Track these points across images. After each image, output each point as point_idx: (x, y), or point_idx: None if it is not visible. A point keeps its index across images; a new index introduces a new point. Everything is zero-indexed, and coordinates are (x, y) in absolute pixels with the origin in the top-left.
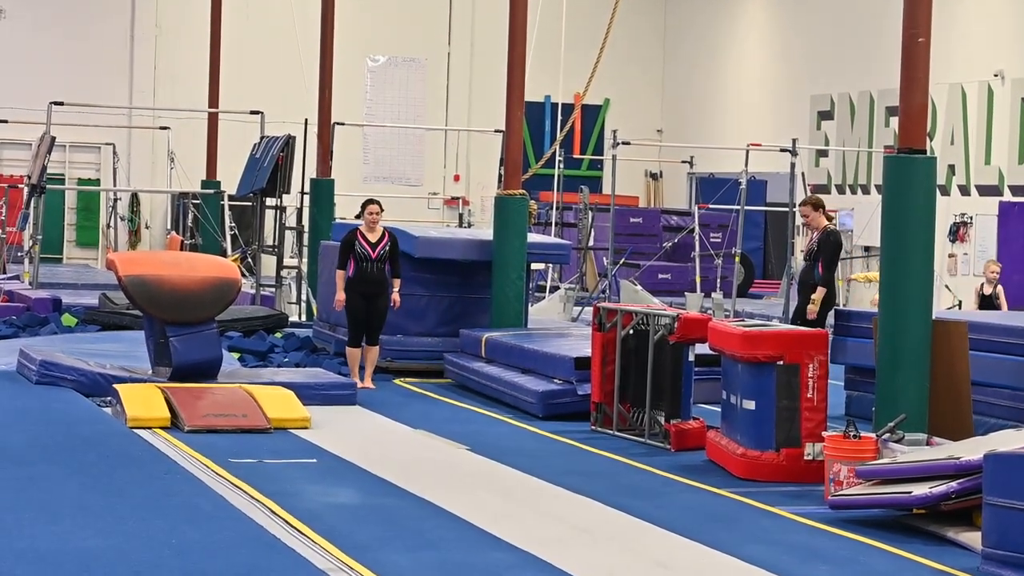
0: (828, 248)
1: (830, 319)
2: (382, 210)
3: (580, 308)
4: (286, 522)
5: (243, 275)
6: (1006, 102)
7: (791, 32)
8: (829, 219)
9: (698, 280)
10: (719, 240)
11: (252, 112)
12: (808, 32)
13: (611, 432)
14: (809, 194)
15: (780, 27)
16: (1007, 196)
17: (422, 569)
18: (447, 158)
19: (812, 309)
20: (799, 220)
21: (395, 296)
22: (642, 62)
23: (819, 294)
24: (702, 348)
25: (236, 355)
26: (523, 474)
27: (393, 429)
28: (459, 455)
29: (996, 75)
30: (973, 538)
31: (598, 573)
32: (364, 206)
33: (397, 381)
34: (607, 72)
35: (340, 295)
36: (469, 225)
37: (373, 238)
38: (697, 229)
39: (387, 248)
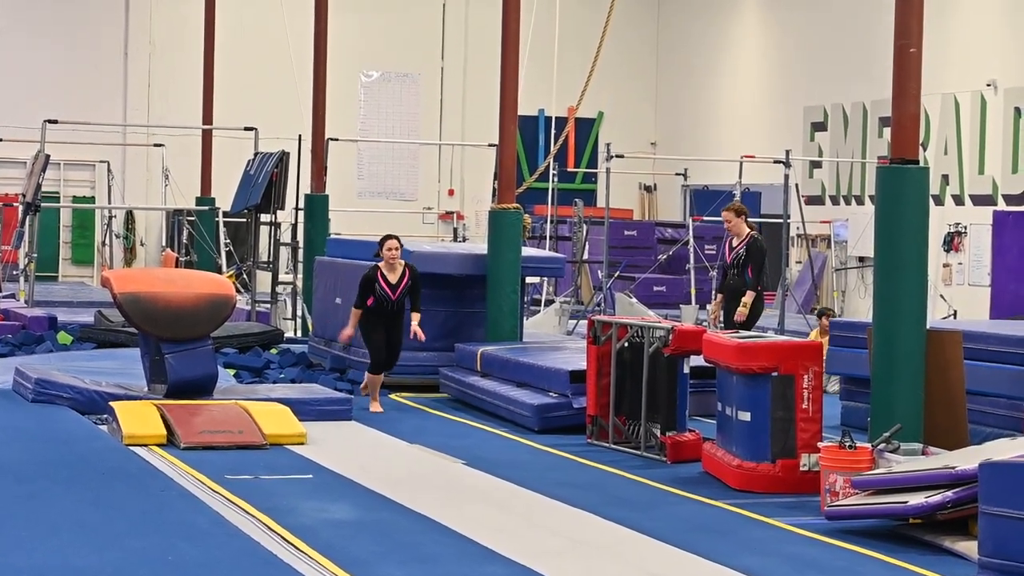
0: (756, 254)
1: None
2: (401, 245)
3: (575, 321)
4: (282, 538)
5: (238, 291)
6: (999, 111)
7: (784, 44)
8: (750, 227)
9: (693, 292)
10: (713, 252)
11: (246, 128)
12: (801, 43)
13: (607, 445)
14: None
15: (773, 39)
16: (1001, 206)
17: None
18: (441, 173)
19: (741, 312)
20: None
21: (415, 328)
22: (635, 75)
23: (749, 298)
24: (697, 360)
25: (232, 371)
26: (519, 487)
27: (389, 444)
28: (455, 469)
29: (989, 85)
30: (969, 547)
31: None
32: (382, 243)
33: (393, 396)
34: (600, 85)
35: (349, 330)
36: (464, 239)
37: (393, 278)
38: (692, 241)
39: (407, 288)
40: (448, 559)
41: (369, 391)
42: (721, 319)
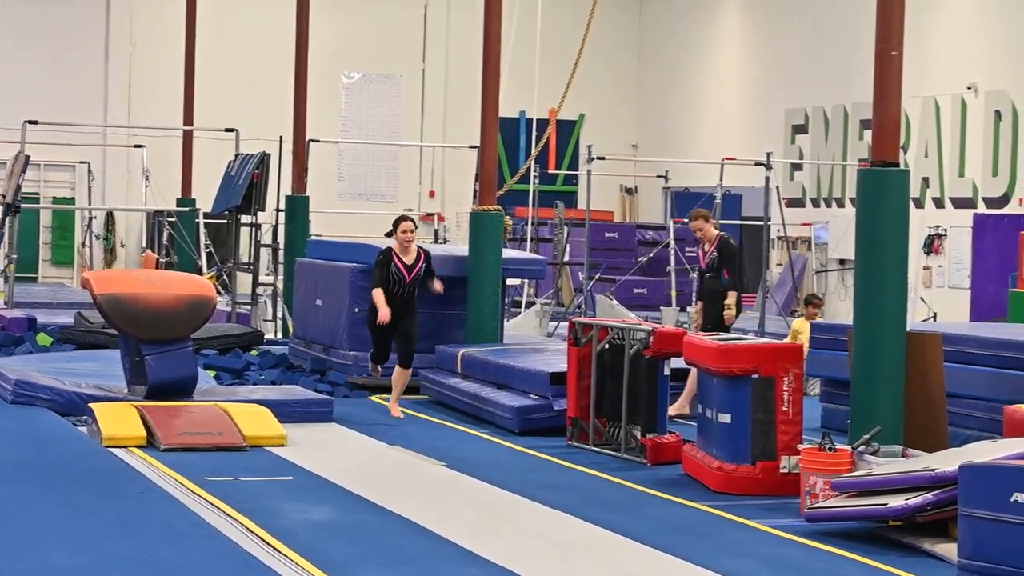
0: (729, 255)
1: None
2: (416, 227)
3: (556, 323)
4: (262, 540)
5: (218, 293)
6: (980, 115)
7: (765, 47)
8: (718, 229)
9: (674, 294)
10: (694, 254)
11: (227, 130)
12: (782, 46)
13: (587, 447)
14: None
15: (754, 42)
16: (981, 208)
17: None
18: (422, 174)
19: (730, 315)
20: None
21: (437, 283)
22: (617, 77)
23: (732, 298)
24: (678, 362)
25: (212, 373)
26: (499, 489)
27: (369, 446)
28: (435, 471)
29: (969, 88)
30: (949, 549)
31: None
32: (396, 224)
33: (373, 398)
34: (582, 87)
35: (385, 309)
36: (444, 241)
37: (408, 260)
38: (672, 243)
39: (422, 270)
40: (428, 561)
41: (391, 390)
42: (703, 324)
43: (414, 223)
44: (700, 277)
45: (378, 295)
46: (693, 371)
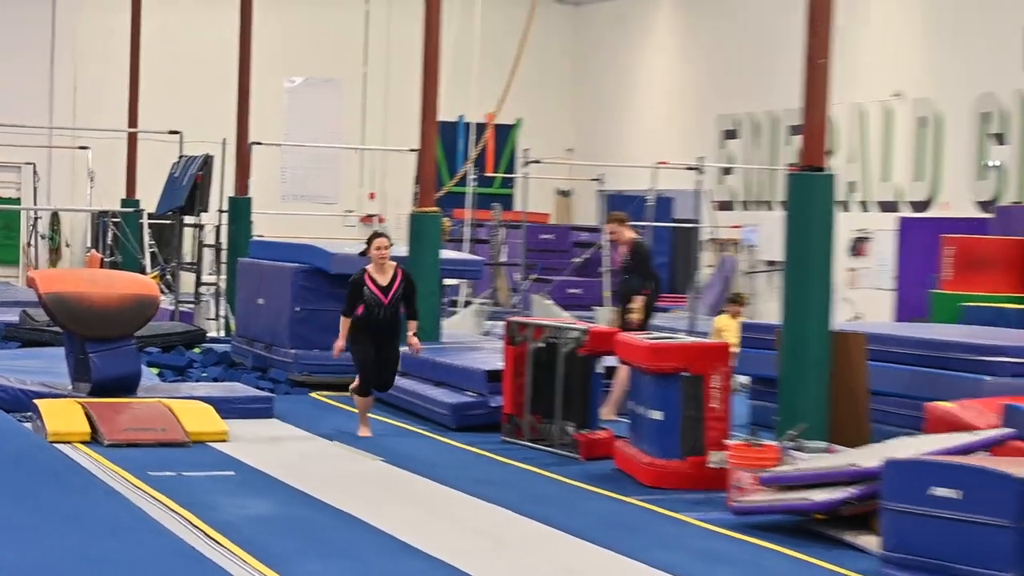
0: (641, 259)
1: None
2: (392, 244)
3: (492, 322)
4: (204, 534)
5: (162, 292)
6: (905, 121)
7: (697, 54)
8: (636, 232)
9: (607, 295)
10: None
11: (171, 132)
12: (714, 54)
13: (522, 442)
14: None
15: (687, 49)
16: (905, 212)
17: None
18: (363, 176)
19: (631, 318)
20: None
21: (412, 340)
22: (553, 83)
23: (637, 303)
24: (611, 360)
25: (155, 370)
26: (436, 484)
27: (309, 441)
28: (374, 466)
29: (895, 95)
30: (871, 542)
31: None
32: (370, 241)
33: (313, 394)
34: (519, 92)
35: (340, 342)
36: None
37: (384, 280)
38: (606, 245)
39: (400, 290)
40: (367, 554)
41: (359, 414)
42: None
43: (388, 239)
44: (615, 279)
45: (343, 324)
46: (619, 377)
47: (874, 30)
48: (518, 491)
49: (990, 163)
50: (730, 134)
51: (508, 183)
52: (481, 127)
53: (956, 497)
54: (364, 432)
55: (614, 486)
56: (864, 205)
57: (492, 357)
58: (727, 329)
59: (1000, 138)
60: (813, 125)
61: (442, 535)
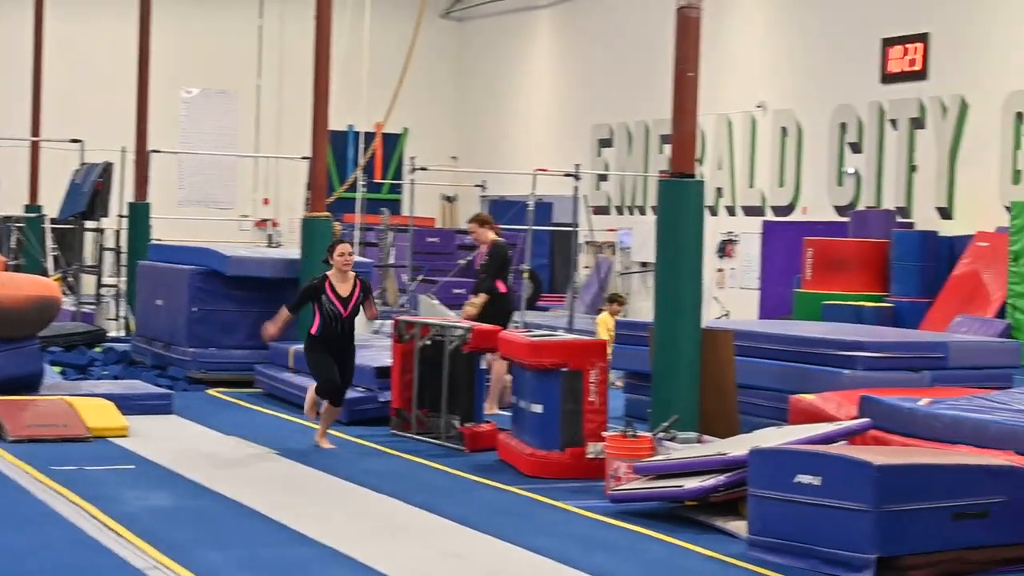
0: (495, 258)
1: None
2: (353, 250)
3: (381, 321)
4: (105, 525)
5: (64, 294)
6: (768, 130)
7: (574, 67)
8: (498, 233)
9: None
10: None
11: (72, 140)
12: (590, 67)
13: (410, 435)
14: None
15: (565, 62)
16: (769, 216)
17: (234, 566)
18: (257, 183)
19: (466, 311)
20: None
21: (372, 310)
22: (438, 94)
23: (479, 300)
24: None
25: (57, 369)
26: (329, 476)
27: (206, 436)
28: (268, 459)
29: (759, 106)
30: (739, 526)
31: (398, 566)
32: (332, 248)
33: (210, 391)
34: (406, 103)
35: (273, 328)
36: (278, 245)
37: (345, 290)
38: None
39: (359, 301)
40: (263, 543)
41: (319, 420)
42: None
43: (351, 245)
44: (476, 279)
45: (283, 314)
46: (494, 372)
47: (739, 44)
48: (406, 482)
49: (847, 170)
50: (605, 143)
51: (396, 189)
52: (369, 136)
53: (818, 483)
54: (325, 444)
55: (497, 476)
56: (731, 210)
57: (381, 354)
58: (606, 324)
59: (856, 147)
60: (683, 134)
61: (334, 524)
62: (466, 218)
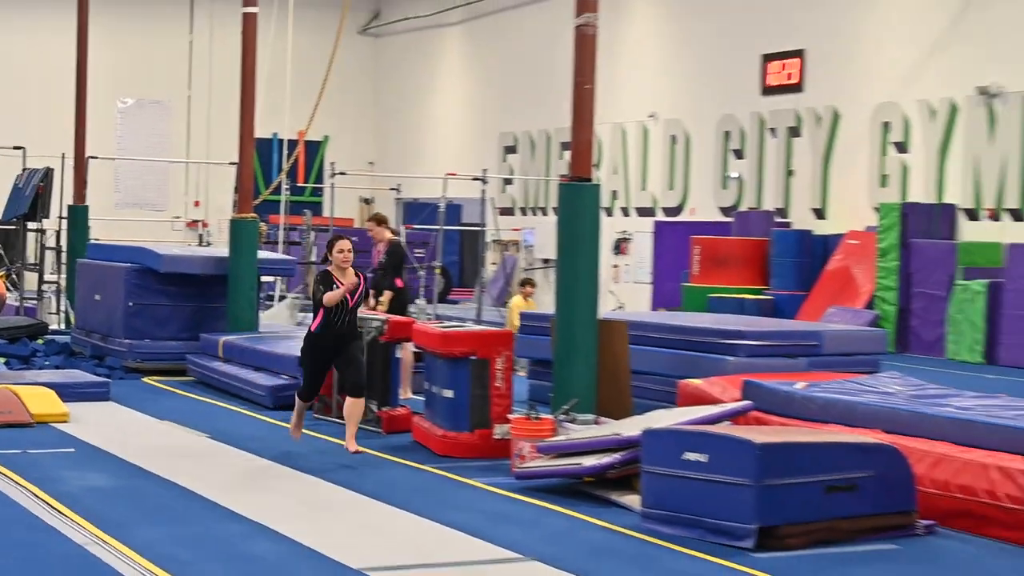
0: (393, 256)
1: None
2: (352, 247)
3: (304, 314)
4: (48, 504)
5: (8, 290)
6: (658, 138)
7: (482, 79)
8: (395, 232)
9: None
10: (422, 255)
11: (15, 147)
12: (496, 79)
13: (331, 419)
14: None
15: (473, 75)
16: (660, 216)
17: (168, 541)
18: (188, 187)
19: (382, 309)
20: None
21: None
22: (356, 104)
23: (386, 297)
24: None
25: (2, 360)
26: (256, 456)
27: (142, 421)
28: (200, 442)
29: (651, 116)
30: (634, 500)
31: (321, 540)
32: (331, 245)
33: (146, 379)
34: (326, 112)
35: (337, 294)
36: (208, 244)
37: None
38: (404, 245)
39: (363, 294)
40: (195, 520)
41: (294, 416)
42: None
43: (350, 241)
44: (374, 275)
45: (330, 295)
46: (404, 360)
47: (633, 60)
48: (327, 461)
49: (730, 175)
50: (510, 149)
51: (317, 192)
52: (293, 143)
53: (704, 460)
54: (352, 446)
55: (412, 456)
56: (625, 211)
57: None
58: (519, 307)
59: (739, 153)
60: (580, 142)
61: (261, 501)
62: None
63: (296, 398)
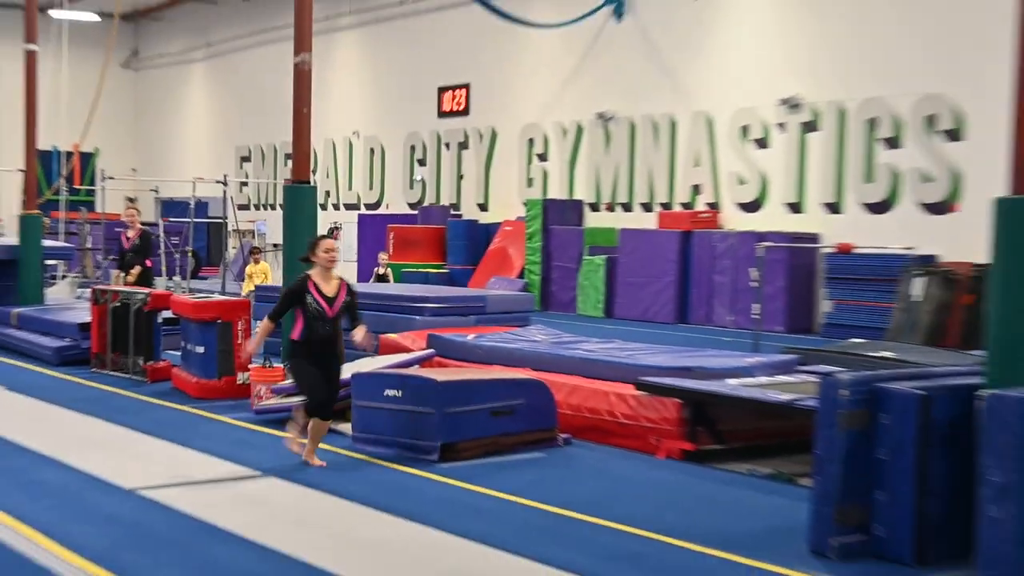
0: (148, 243)
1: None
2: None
3: (83, 290)
4: None
5: None
6: (361, 150)
7: (222, 102)
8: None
9: (164, 268)
10: (178, 242)
11: None
12: (232, 103)
13: (106, 372)
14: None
15: (216, 100)
16: (363, 211)
17: None
18: None
19: (129, 280)
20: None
21: (363, 332)
22: (122, 121)
23: (135, 271)
24: (167, 314)
25: None
26: (45, 403)
27: None
28: (0, 394)
29: (354, 133)
30: (347, 427)
31: (99, 467)
32: (314, 244)
33: None
34: (97, 128)
35: (252, 347)
36: (2, 235)
37: (330, 291)
38: (162, 234)
39: (345, 304)
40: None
41: (301, 439)
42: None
43: (336, 241)
44: (122, 255)
45: (264, 326)
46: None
47: (340, 89)
48: (105, 406)
49: (416, 178)
50: (246, 158)
51: (91, 193)
52: (70, 154)
53: (400, 395)
54: (316, 461)
55: (172, 399)
56: (336, 206)
57: (83, 314)
58: (256, 272)
59: (422, 162)
60: (300, 153)
61: (50, 437)
62: (145, 214)
63: (306, 414)
